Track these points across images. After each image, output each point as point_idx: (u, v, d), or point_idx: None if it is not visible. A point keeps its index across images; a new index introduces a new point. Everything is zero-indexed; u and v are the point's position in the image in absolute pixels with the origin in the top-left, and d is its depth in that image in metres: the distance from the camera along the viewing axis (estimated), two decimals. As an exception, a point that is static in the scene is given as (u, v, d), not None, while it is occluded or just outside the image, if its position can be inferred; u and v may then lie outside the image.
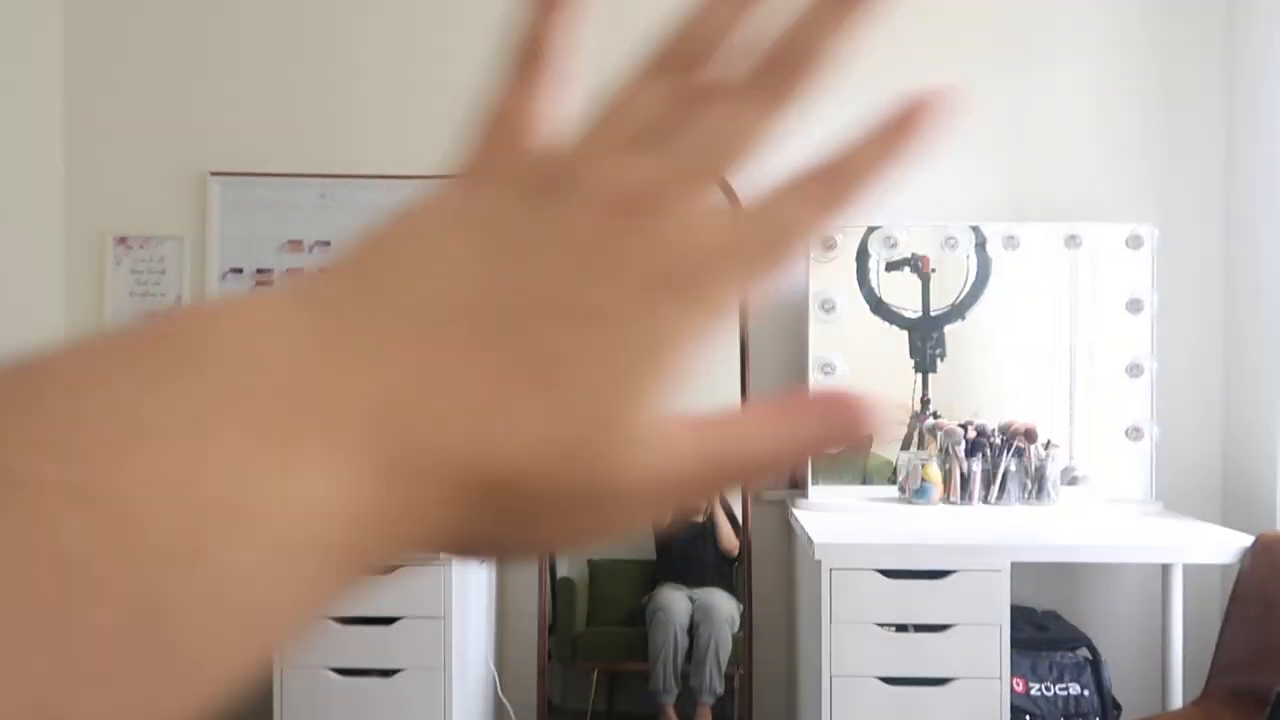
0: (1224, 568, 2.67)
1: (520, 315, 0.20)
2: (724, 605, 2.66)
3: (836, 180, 0.24)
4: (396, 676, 2.14)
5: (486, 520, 0.20)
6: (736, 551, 2.68)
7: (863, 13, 0.23)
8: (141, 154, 2.84)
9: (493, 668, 2.65)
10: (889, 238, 2.58)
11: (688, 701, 2.65)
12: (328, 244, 2.79)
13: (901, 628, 2.15)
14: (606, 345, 0.21)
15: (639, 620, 2.69)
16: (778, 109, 0.24)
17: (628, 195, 0.22)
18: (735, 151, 0.24)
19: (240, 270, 2.80)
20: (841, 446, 0.24)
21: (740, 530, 2.67)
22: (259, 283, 2.80)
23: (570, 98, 0.25)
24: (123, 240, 2.82)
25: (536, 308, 0.21)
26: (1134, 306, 2.55)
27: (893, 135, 0.24)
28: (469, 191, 0.23)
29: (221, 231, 2.81)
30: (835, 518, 2.43)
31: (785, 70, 0.23)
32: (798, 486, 2.73)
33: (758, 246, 0.23)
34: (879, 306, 2.64)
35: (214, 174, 2.81)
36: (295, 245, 2.80)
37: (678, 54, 0.24)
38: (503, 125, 0.24)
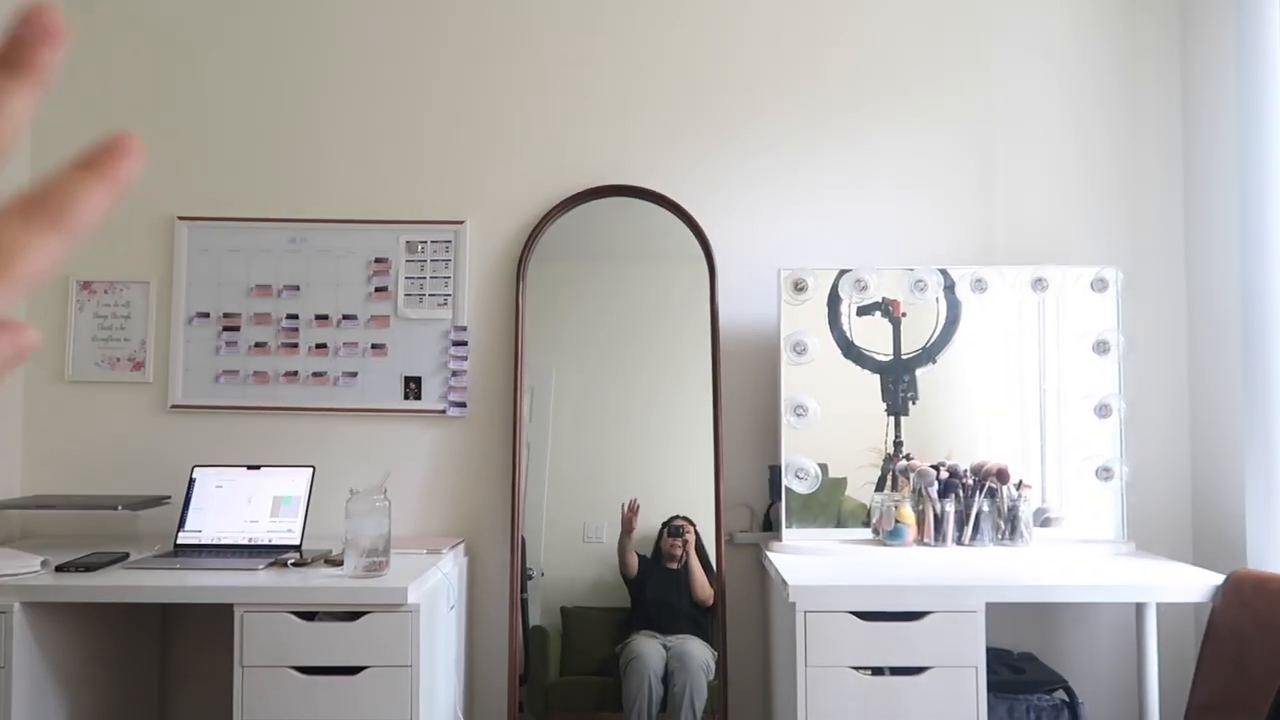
0: (1197, 606, 2.67)
1: None
2: (699, 652, 2.62)
3: (55, 208, 0.28)
4: (361, 729, 2.08)
5: None
6: (711, 601, 2.64)
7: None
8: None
9: (462, 718, 2.57)
10: (859, 280, 2.60)
11: (663, 753, 2.59)
12: (296, 289, 2.77)
13: (877, 670, 2.12)
14: None
15: (613, 670, 2.64)
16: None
17: None
18: None
19: (206, 315, 2.77)
20: None
21: (715, 579, 2.64)
22: (226, 327, 2.77)
23: None
24: (86, 285, 2.78)
25: None
26: (1100, 348, 2.58)
27: (100, 166, 0.29)
28: None
29: (189, 276, 2.78)
30: (809, 560, 2.40)
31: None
32: (772, 529, 2.71)
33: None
34: (850, 350, 2.65)
35: (181, 218, 2.79)
36: (264, 290, 2.77)
37: None
38: None
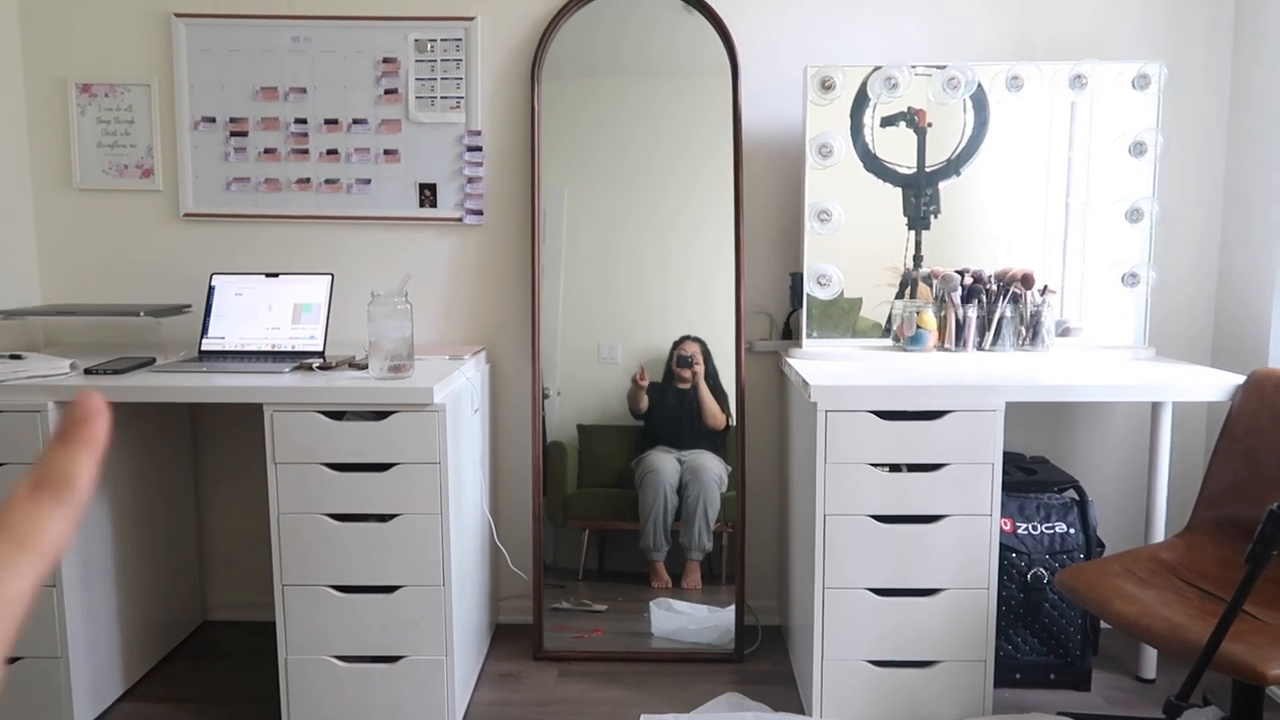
0: (1211, 411, 2.71)
1: None
2: (712, 465, 2.67)
3: (57, 485, 0.34)
4: (394, 521, 2.15)
5: None
6: (722, 425, 2.67)
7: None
8: (100, -6, 2.67)
9: (488, 514, 2.67)
10: (890, 78, 2.48)
11: (676, 559, 2.70)
12: (303, 91, 2.67)
13: (895, 468, 2.17)
14: None
15: (629, 483, 2.71)
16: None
17: None
18: None
19: (213, 119, 2.68)
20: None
21: (726, 404, 2.66)
22: (233, 132, 2.68)
23: None
24: (86, 88, 2.68)
25: None
26: (1137, 149, 2.49)
27: (74, 433, 0.35)
28: None
29: (190, 78, 2.67)
30: (829, 365, 2.42)
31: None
32: (791, 337, 2.71)
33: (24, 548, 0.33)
34: (873, 163, 2.57)
35: (178, 15, 2.65)
36: (269, 92, 2.67)
37: None
38: None
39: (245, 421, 2.81)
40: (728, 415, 2.67)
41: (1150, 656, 2.51)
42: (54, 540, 0.34)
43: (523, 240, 2.72)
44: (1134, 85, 2.48)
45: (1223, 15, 2.62)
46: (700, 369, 2.65)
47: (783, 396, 2.74)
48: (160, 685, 2.51)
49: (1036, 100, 2.53)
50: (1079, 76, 2.48)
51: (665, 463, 2.68)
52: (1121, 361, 2.48)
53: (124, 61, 2.68)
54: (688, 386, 2.67)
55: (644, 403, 2.68)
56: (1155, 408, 2.42)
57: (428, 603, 2.17)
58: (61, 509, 0.34)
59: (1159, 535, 2.40)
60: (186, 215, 2.71)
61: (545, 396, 2.70)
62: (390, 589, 2.17)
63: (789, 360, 2.50)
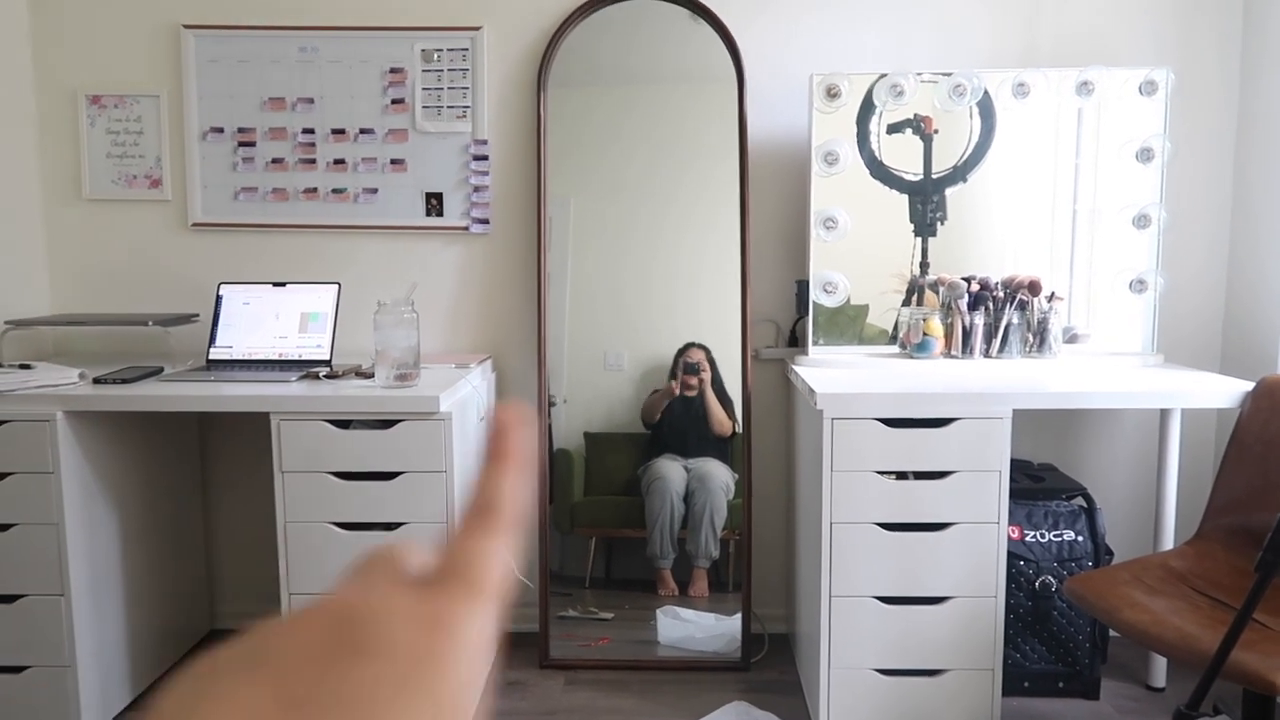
0: (1220, 418, 2.69)
1: None
2: (719, 473, 2.67)
3: (485, 511, 0.32)
4: (400, 529, 2.15)
5: None
6: (729, 432, 2.67)
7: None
8: (110, 5, 2.69)
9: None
10: (895, 85, 2.48)
11: (683, 566, 2.69)
12: (310, 101, 2.68)
13: (901, 475, 2.16)
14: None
15: (635, 490, 2.70)
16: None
17: None
18: None
19: (221, 130, 2.70)
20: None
21: (732, 411, 2.66)
22: (241, 143, 2.70)
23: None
24: (96, 99, 2.70)
25: None
26: (1144, 155, 2.49)
27: (501, 452, 0.33)
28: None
29: (199, 89, 2.69)
30: (836, 372, 2.41)
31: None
32: (797, 345, 2.71)
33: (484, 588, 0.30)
34: (879, 170, 2.57)
35: (187, 27, 2.67)
36: (277, 103, 2.69)
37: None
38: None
39: (252, 430, 2.82)
40: (734, 422, 2.66)
41: (1160, 665, 2.50)
42: (500, 574, 0.31)
43: (529, 249, 2.73)
44: (1141, 91, 2.47)
45: (1230, 21, 2.61)
46: (706, 376, 2.65)
47: (789, 404, 2.74)
48: (168, 694, 2.51)
49: (1043, 107, 2.53)
50: (1086, 83, 2.47)
51: (672, 470, 2.67)
52: (1129, 368, 2.47)
53: (133, 73, 2.70)
54: (694, 394, 2.67)
55: (659, 413, 2.68)
56: (1164, 415, 2.41)
57: (434, 611, 2.16)
58: (498, 539, 0.32)
59: (1168, 543, 2.39)
60: (195, 225, 2.73)
61: (552, 404, 2.70)
62: (397, 597, 2.17)
63: (795, 368, 2.50)
